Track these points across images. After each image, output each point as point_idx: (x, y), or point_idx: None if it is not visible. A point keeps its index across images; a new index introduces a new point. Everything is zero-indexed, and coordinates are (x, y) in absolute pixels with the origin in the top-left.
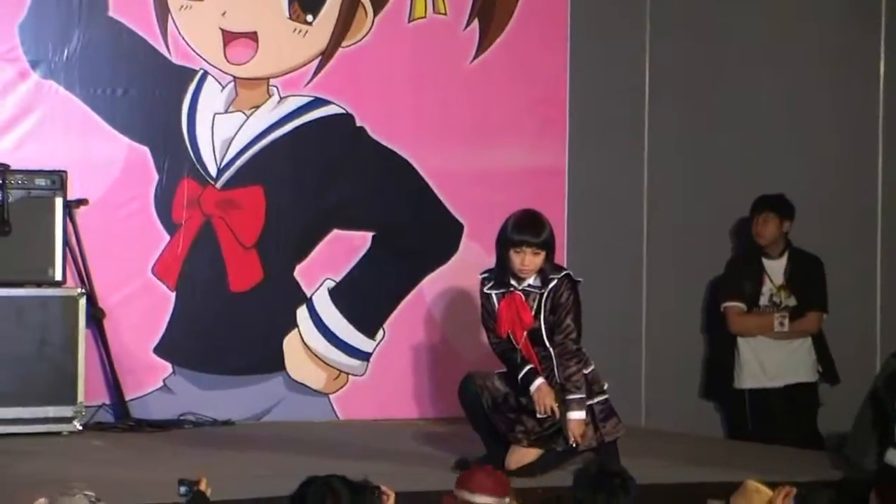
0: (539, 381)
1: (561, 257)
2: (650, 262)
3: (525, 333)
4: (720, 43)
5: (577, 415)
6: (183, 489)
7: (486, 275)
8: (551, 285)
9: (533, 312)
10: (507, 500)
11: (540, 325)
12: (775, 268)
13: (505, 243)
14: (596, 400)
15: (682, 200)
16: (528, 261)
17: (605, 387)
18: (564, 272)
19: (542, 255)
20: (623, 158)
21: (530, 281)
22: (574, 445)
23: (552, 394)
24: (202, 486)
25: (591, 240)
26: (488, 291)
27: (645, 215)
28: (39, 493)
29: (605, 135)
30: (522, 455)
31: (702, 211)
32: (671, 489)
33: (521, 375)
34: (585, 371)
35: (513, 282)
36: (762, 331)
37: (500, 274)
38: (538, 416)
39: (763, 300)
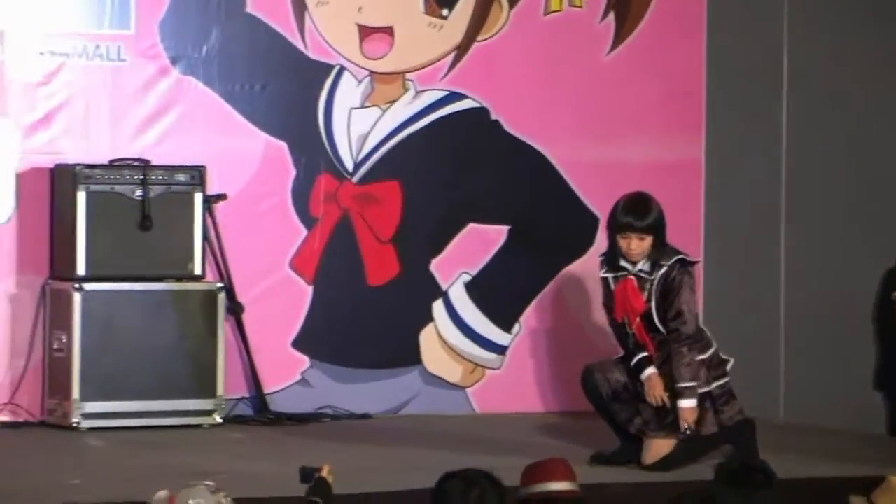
0: (649, 370)
1: (698, 249)
2: (788, 253)
3: (638, 319)
4: (860, 28)
5: (687, 403)
6: (305, 476)
7: (602, 257)
8: (661, 271)
9: (645, 297)
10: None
11: (651, 310)
12: None
13: (612, 227)
14: (713, 385)
15: (821, 190)
16: (634, 245)
17: (729, 366)
18: (677, 257)
19: (649, 239)
20: (761, 149)
21: (641, 265)
22: (688, 431)
23: (661, 383)
24: (325, 473)
25: (728, 231)
26: (605, 275)
27: (783, 206)
28: (173, 484)
29: (742, 126)
30: (658, 449)
31: (841, 201)
32: (811, 484)
33: (633, 363)
34: (703, 356)
35: (625, 265)
36: None
37: (613, 257)
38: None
39: None
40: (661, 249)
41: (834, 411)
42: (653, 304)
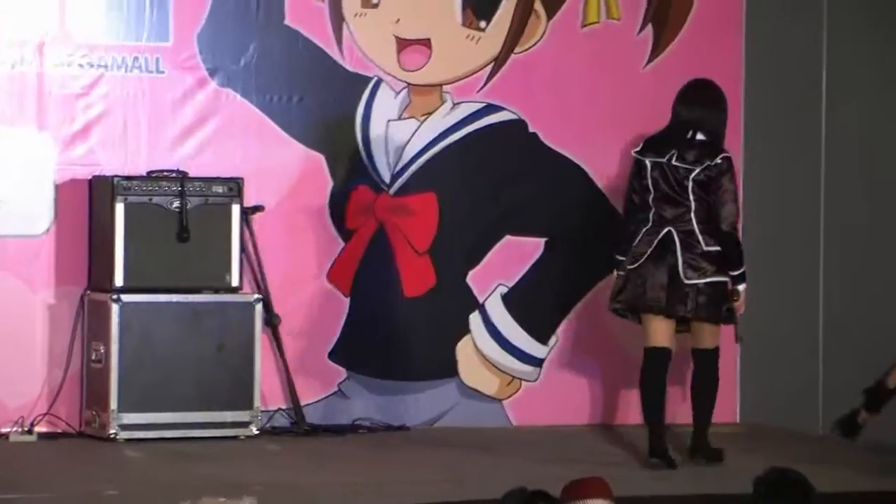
0: None
1: None
2: (827, 260)
3: None
4: None
5: None
6: None
7: None
8: None
9: None
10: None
11: None
12: None
13: None
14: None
15: (860, 198)
16: None
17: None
18: None
19: None
20: (800, 157)
21: None
22: None
23: None
24: None
25: (767, 237)
26: None
27: (822, 212)
28: (209, 495)
29: (781, 134)
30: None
31: (882, 209)
32: (850, 498)
33: None
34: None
35: None
36: None
37: None
38: None
39: None
40: None
41: (874, 424)
42: None
